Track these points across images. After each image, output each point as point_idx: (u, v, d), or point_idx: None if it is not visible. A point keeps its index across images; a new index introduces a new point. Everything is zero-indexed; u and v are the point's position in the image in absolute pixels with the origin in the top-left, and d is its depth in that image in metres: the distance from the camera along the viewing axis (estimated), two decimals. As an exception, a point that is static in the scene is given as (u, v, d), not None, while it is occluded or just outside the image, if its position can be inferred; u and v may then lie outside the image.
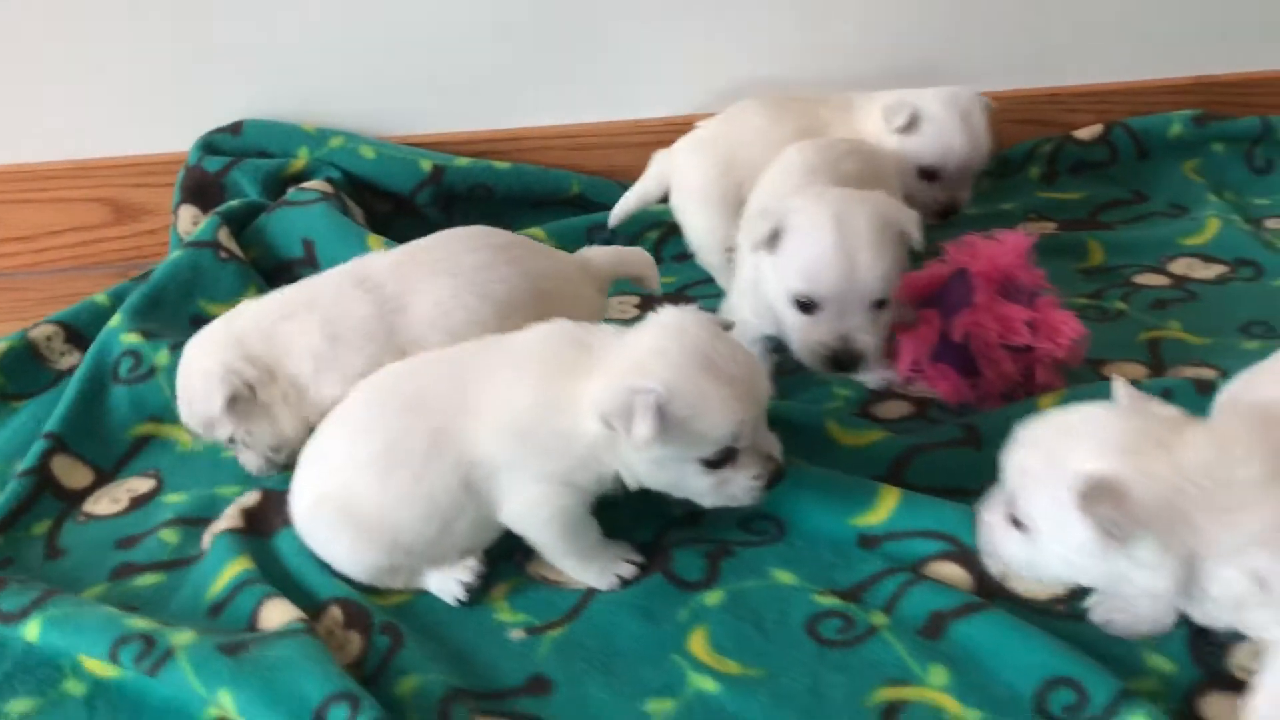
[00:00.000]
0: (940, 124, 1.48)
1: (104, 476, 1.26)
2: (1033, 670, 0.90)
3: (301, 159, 1.66)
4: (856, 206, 1.12)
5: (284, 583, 1.05)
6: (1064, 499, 0.81)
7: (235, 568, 1.05)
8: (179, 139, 1.68)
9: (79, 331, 1.46)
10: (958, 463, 1.13)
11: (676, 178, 1.53)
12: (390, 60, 1.67)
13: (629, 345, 0.98)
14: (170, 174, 1.67)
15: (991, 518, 0.91)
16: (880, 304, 1.13)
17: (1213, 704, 0.89)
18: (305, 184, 1.59)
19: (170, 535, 1.15)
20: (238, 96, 1.68)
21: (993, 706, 0.90)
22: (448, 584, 1.04)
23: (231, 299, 1.43)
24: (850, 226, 1.10)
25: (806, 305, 1.13)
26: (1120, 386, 0.90)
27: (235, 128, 1.68)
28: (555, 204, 1.68)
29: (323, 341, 1.15)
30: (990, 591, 1.00)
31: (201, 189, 1.63)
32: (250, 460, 1.20)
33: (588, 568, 1.04)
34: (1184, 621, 0.93)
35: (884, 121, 1.49)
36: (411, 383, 1.05)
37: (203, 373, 1.15)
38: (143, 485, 1.25)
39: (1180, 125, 1.74)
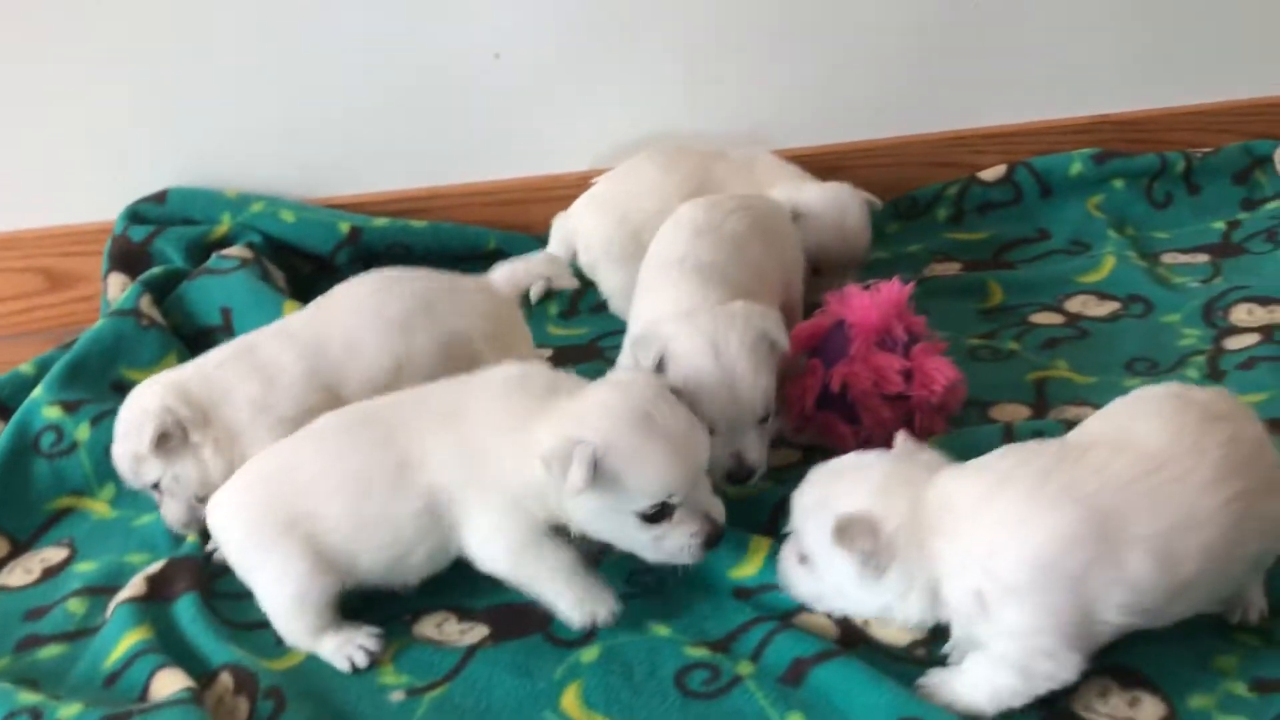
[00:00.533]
0: (817, 222, 1.53)
1: (19, 548, 1.31)
2: (881, 711, 0.94)
3: (224, 225, 1.71)
4: (728, 329, 1.16)
5: (180, 649, 1.09)
6: (830, 535, 0.92)
7: (132, 638, 1.09)
8: (108, 208, 1.72)
9: (3, 403, 1.50)
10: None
11: (580, 240, 1.59)
12: (308, 124, 1.74)
13: (580, 398, 1.05)
14: (100, 242, 1.72)
15: (786, 553, 1.02)
16: (764, 419, 1.18)
17: (1054, 742, 0.94)
18: (226, 250, 1.64)
19: (77, 605, 1.19)
20: (162, 165, 1.73)
21: (844, 752, 0.94)
22: (348, 649, 1.08)
23: (153, 365, 1.48)
24: (727, 352, 1.15)
25: None
26: (899, 438, 1.01)
27: (160, 196, 1.73)
28: (473, 259, 1.71)
29: (258, 386, 1.23)
30: (854, 639, 1.04)
31: (128, 257, 1.68)
32: (172, 511, 1.25)
33: (563, 593, 1.07)
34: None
35: None
36: (381, 416, 1.11)
37: (140, 409, 1.22)
38: (56, 555, 1.29)
39: (1081, 163, 1.80)
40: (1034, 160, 1.80)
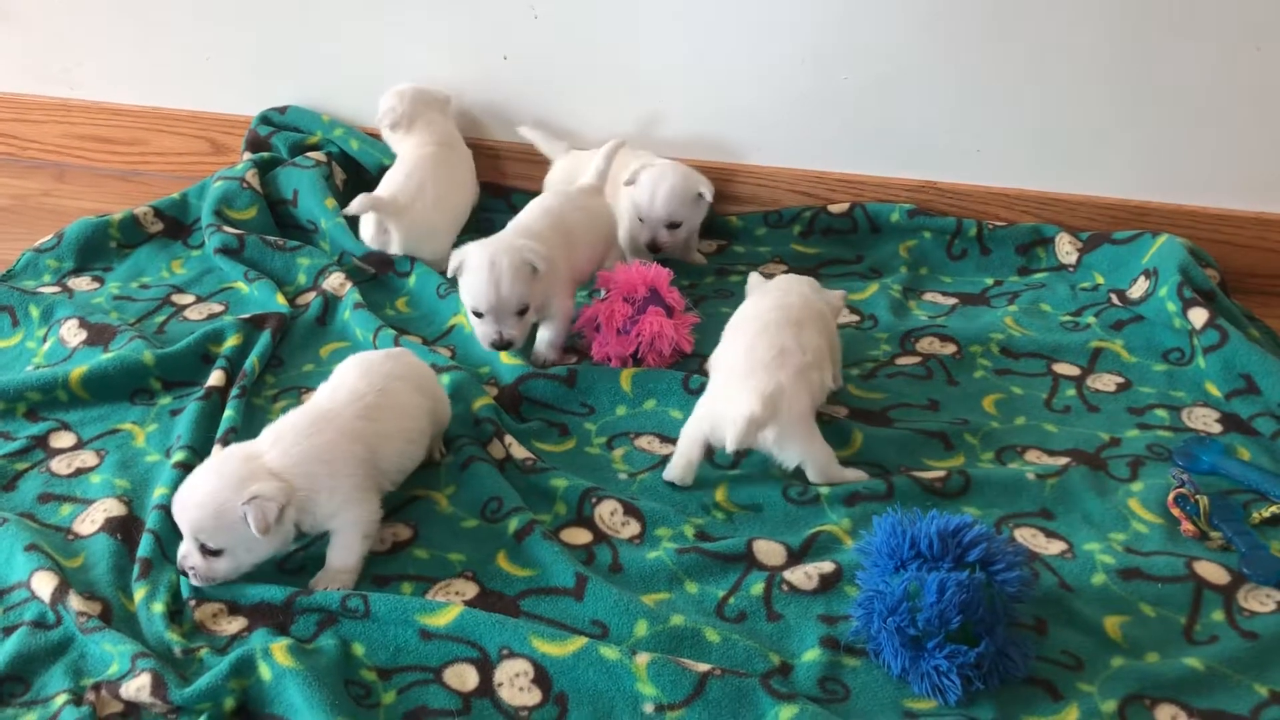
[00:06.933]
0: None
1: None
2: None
3: (316, 137, 2.57)
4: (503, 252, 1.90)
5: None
6: (239, 514, 1.44)
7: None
8: (253, 108, 2.63)
9: (162, 211, 2.44)
10: (553, 391, 1.93)
11: None
12: (378, 83, 2.53)
13: None
14: (244, 129, 2.62)
15: (192, 556, 1.48)
16: (521, 312, 1.91)
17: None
18: (310, 153, 2.50)
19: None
20: (289, 88, 2.62)
21: None
22: None
23: (244, 210, 2.38)
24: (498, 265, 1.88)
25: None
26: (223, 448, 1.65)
27: (282, 109, 2.62)
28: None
29: None
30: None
31: (255, 144, 2.58)
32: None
33: None
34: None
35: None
36: None
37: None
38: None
39: (898, 214, 2.38)
40: (869, 204, 2.40)
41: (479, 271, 1.89)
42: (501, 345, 1.93)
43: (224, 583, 1.51)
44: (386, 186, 2.30)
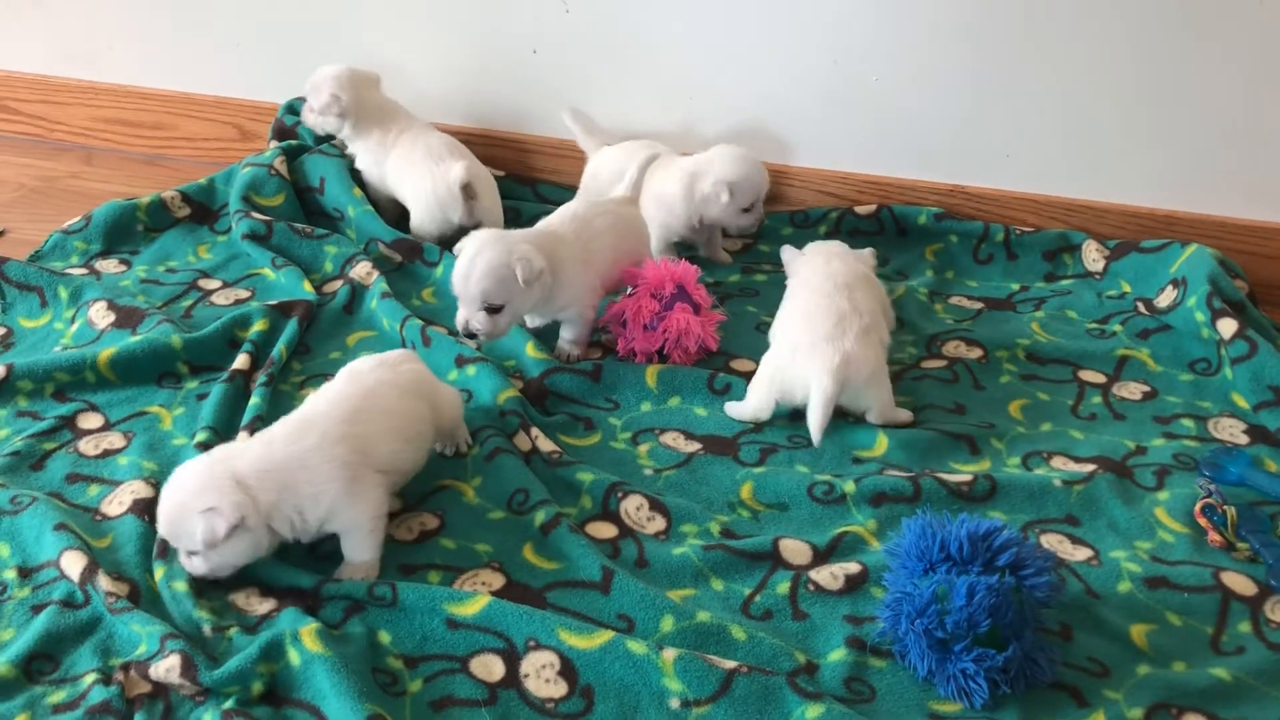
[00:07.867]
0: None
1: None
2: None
3: (342, 126, 2.58)
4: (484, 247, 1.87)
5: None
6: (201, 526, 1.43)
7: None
8: (280, 95, 2.62)
9: (190, 196, 2.45)
10: (579, 385, 1.93)
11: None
12: (401, 69, 2.53)
13: None
14: (272, 116, 2.62)
15: (187, 560, 1.49)
16: (493, 310, 1.87)
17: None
18: (336, 143, 2.50)
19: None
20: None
21: None
22: None
23: (273, 196, 2.38)
24: (474, 262, 1.85)
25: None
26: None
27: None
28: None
29: None
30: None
31: (281, 132, 2.58)
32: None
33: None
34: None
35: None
36: None
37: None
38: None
39: (925, 217, 2.38)
40: (896, 206, 2.40)
41: (460, 257, 1.90)
42: (467, 334, 1.91)
43: (214, 578, 1.50)
44: (454, 160, 2.28)
